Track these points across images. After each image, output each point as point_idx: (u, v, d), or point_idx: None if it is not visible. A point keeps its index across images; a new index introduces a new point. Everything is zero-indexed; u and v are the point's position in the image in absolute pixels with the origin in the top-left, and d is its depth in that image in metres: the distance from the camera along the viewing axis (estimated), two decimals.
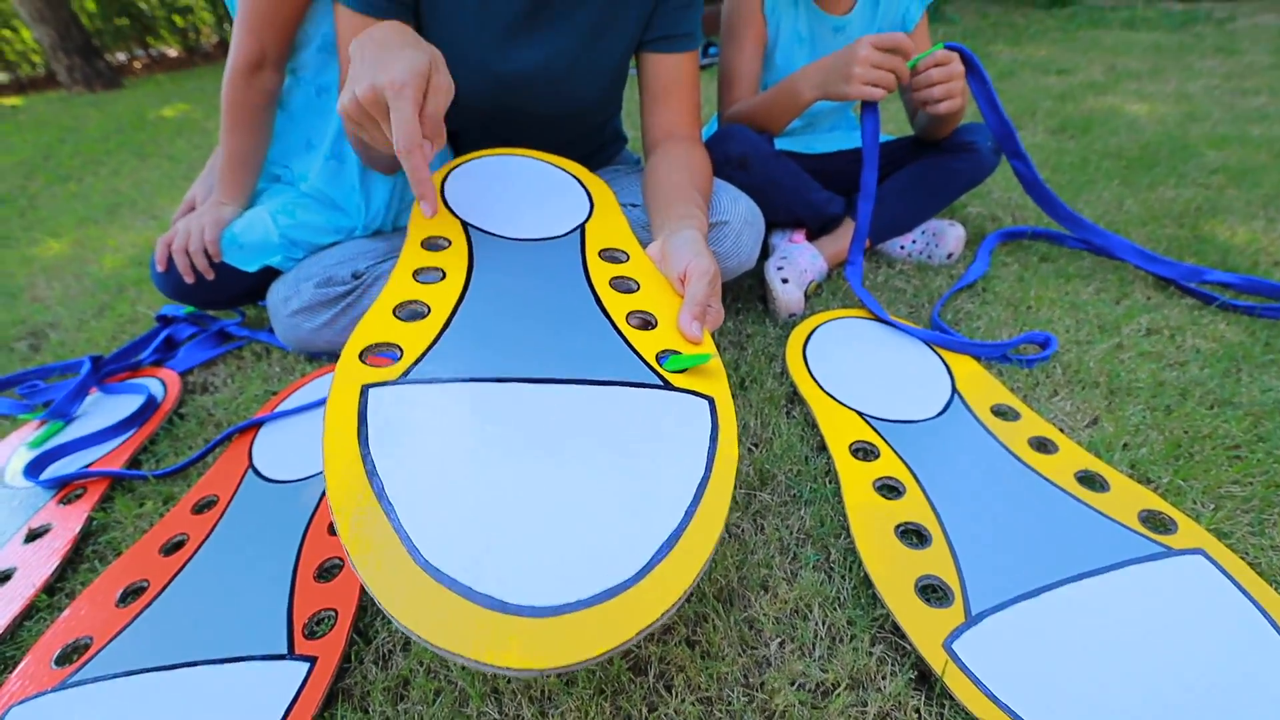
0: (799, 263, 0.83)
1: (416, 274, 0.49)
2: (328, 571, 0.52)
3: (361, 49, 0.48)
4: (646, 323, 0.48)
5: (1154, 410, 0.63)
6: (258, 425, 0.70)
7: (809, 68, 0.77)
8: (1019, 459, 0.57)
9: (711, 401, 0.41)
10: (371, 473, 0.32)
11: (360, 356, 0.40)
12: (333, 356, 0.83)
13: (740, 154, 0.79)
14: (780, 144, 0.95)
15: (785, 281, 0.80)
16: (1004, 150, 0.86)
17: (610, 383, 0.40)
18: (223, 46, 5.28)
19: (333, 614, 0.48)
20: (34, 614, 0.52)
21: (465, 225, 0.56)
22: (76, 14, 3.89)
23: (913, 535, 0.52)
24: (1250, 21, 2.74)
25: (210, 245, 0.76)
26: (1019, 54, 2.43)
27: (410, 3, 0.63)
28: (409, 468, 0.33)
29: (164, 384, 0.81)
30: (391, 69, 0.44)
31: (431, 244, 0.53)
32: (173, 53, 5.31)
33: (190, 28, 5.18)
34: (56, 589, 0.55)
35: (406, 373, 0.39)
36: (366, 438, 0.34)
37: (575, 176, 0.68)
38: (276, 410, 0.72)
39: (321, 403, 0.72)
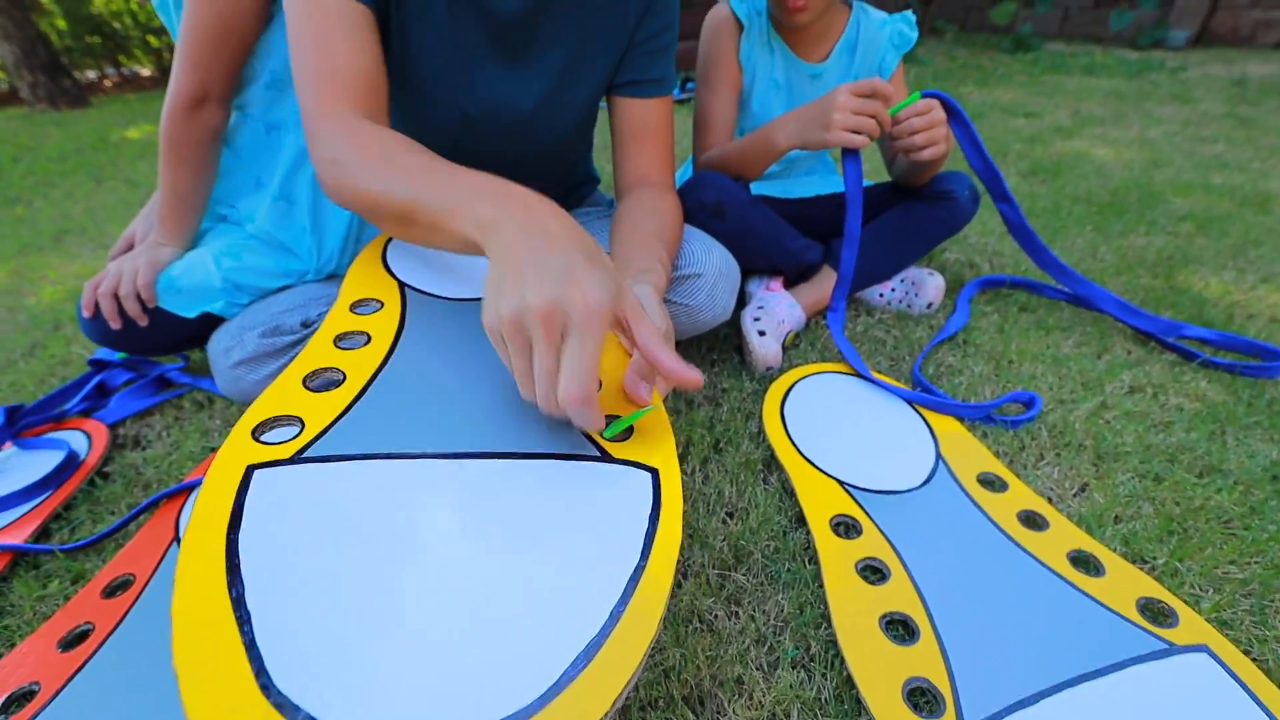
0: (776, 313, 0.80)
1: (338, 340, 0.44)
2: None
3: (521, 231, 0.36)
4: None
5: (1143, 478, 0.61)
6: (189, 490, 0.64)
7: (785, 117, 0.75)
8: (1009, 537, 0.53)
9: (655, 474, 0.35)
10: (233, 571, 0.27)
11: (254, 433, 0.35)
12: None
13: (715, 201, 0.76)
14: (756, 188, 0.93)
15: (762, 334, 0.77)
16: (991, 192, 0.85)
17: (538, 455, 0.36)
18: None
19: None
20: None
21: (402, 286, 0.52)
22: (45, 32, 3.80)
23: (899, 627, 0.48)
24: (1201, 71, 2.87)
25: (144, 289, 0.70)
26: (988, 96, 2.50)
27: (381, 22, 0.59)
28: (281, 569, 0.28)
29: (89, 437, 0.74)
30: (585, 283, 0.33)
31: (362, 306, 0.49)
32: (146, 72, 5.22)
33: (165, 48, 5.11)
34: None
35: (303, 450, 0.34)
36: (237, 529, 0.29)
37: None
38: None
39: None
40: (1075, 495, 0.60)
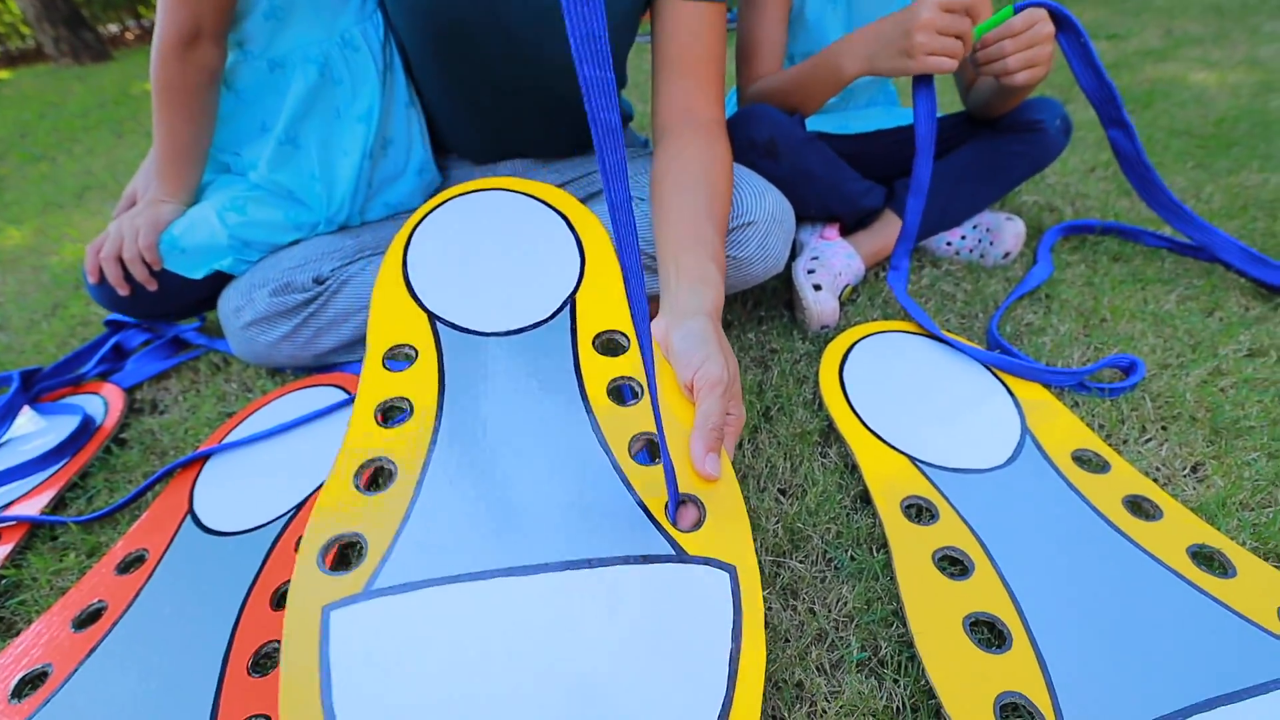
0: (832, 264, 0.71)
1: (379, 413, 0.43)
2: (265, 659, 0.43)
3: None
4: (655, 449, 0.42)
5: (1273, 458, 0.52)
6: (204, 459, 0.61)
7: (852, 37, 0.63)
8: (1115, 527, 0.46)
9: (733, 573, 0.34)
10: None
11: (319, 558, 0.34)
12: (297, 371, 0.73)
13: (768, 139, 0.66)
14: (810, 124, 0.82)
15: (817, 289, 0.68)
16: (1103, 116, 0.71)
17: (613, 561, 0.34)
18: None
19: None
20: None
21: (432, 320, 0.49)
22: None
23: (984, 629, 0.41)
24: None
25: (147, 251, 0.65)
26: None
27: None
28: None
29: (106, 402, 0.71)
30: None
31: (396, 359, 0.46)
32: None
33: None
34: None
35: (372, 579, 0.33)
36: (330, 689, 0.29)
37: (564, 216, 0.57)
38: (226, 440, 0.62)
39: (279, 430, 0.62)
40: (1188, 476, 0.52)
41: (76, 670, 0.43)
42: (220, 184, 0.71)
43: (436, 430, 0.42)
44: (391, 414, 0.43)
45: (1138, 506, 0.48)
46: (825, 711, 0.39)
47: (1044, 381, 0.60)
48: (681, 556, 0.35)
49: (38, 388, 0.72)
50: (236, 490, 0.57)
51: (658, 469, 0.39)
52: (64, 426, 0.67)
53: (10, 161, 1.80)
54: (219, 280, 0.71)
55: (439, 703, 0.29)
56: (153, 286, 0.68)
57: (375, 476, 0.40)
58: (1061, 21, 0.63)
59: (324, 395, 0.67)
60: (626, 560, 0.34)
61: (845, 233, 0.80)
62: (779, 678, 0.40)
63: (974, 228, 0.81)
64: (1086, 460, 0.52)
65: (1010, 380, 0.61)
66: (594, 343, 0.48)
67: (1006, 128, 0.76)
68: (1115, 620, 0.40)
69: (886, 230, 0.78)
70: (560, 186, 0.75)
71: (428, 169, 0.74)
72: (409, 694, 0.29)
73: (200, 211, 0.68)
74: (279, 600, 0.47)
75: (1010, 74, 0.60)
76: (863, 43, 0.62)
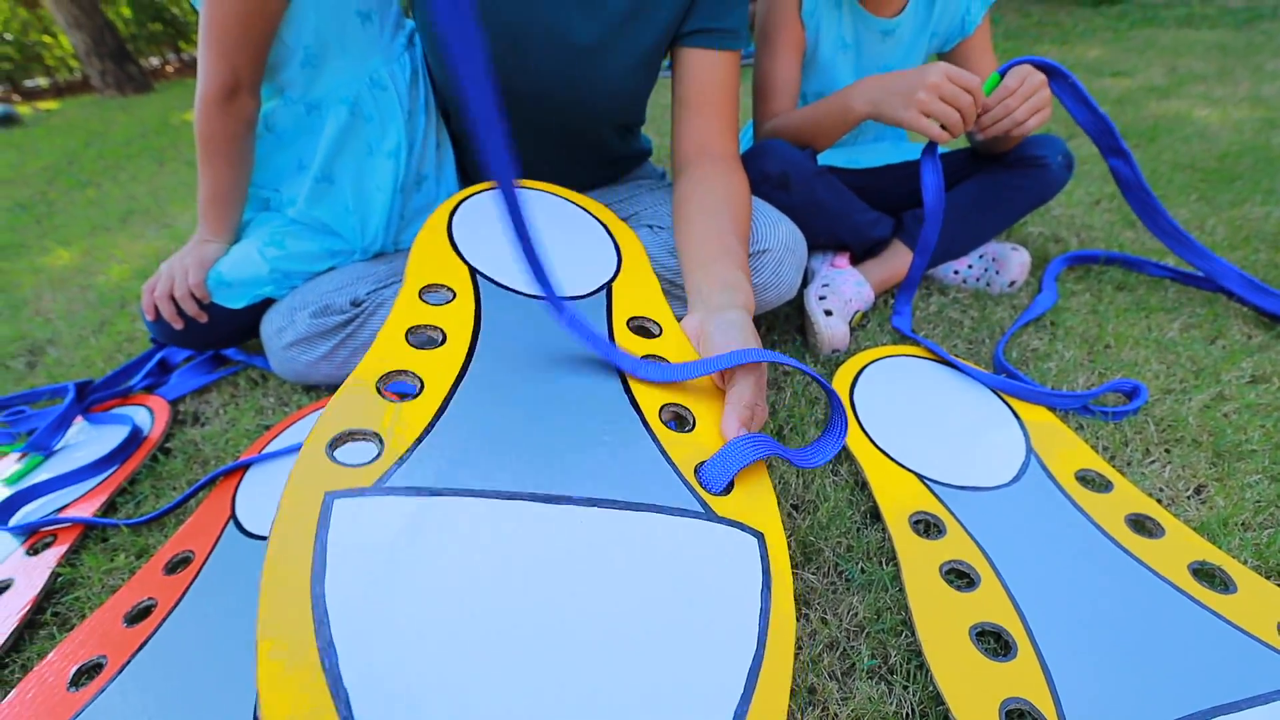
0: (843, 291, 0.75)
1: (410, 334, 0.41)
2: None
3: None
4: (682, 420, 0.41)
5: (1275, 480, 0.54)
6: (245, 467, 0.64)
7: (866, 82, 0.68)
8: (1117, 544, 0.48)
9: (761, 539, 0.33)
10: (323, 636, 0.24)
11: (329, 448, 0.31)
12: (332, 388, 0.77)
13: (780, 172, 0.70)
14: (821, 158, 0.86)
15: (828, 314, 0.71)
16: (1102, 147, 0.76)
17: (641, 507, 0.33)
18: None
19: None
20: None
21: (474, 272, 0.49)
22: (111, 20, 3.95)
23: (991, 639, 0.43)
24: None
25: (196, 289, 0.70)
26: (1068, 55, 2.29)
27: None
28: (375, 635, 0.24)
29: (152, 413, 0.75)
30: None
31: (432, 294, 0.46)
32: None
33: None
34: (9, 660, 0.49)
35: (385, 476, 0.30)
36: (323, 580, 0.25)
37: (601, 222, 0.60)
38: (265, 451, 0.66)
39: None
40: (1191, 497, 0.53)
41: (129, 662, 0.46)
42: (260, 221, 0.76)
43: (468, 360, 0.40)
44: (423, 340, 0.41)
45: (1140, 524, 0.50)
46: (837, 715, 0.40)
47: (1049, 405, 0.62)
48: (710, 515, 0.34)
49: (90, 398, 0.77)
50: (276, 497, 0.60)
51: (687, 436, 0.39)
52: (114, 436, 0.71)
53: (59, 187, 1.91)
54: (261, 309, 0.75)
55: (443, 614, 0.26)
56: (203, 319, 0.72)
57: (400, 391, 0.36)
58: (1048, 71, 0.67)
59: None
60: (655, 509, 0.33)
61: (855, 261, 0.83)
62: (792, 684, 0.42)
63: (980, 257, 0.84)
64: (1090, 480, 0.54)
65: (1015, 403, 0.63)
66: (628, 323, 0.49)
67: (1010, 163, 0.80)
68: (1117, 631, 0.42)
69: (895, 260, 0.81)
70: None
71: None
72: (411, 600, 0.26)
73: (243, 249, 0.72)
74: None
75: (1022, 124, 0.64)
76: (873, 88, 0.67)
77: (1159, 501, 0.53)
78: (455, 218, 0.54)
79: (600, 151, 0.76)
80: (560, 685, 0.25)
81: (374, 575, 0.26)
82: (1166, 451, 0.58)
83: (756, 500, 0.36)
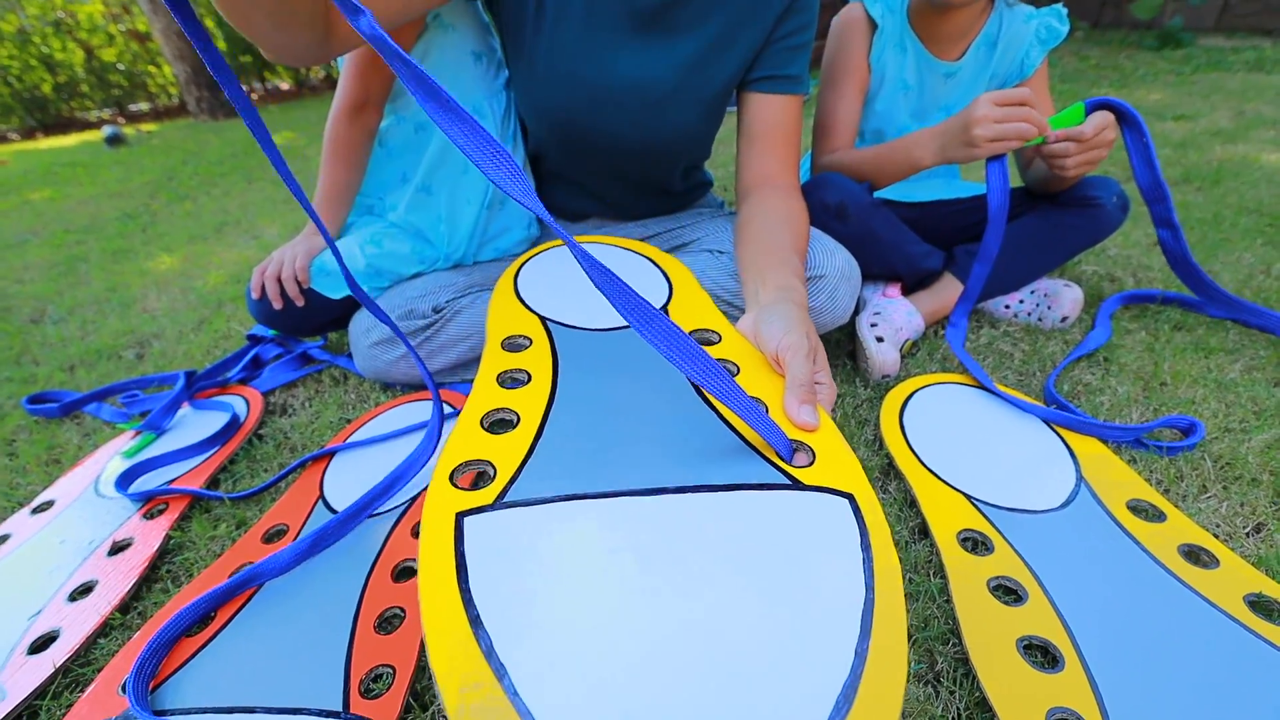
0: (894, 319, 0.77)
1: (501, 378, 0.46)
2: (388, 622, 0.50)
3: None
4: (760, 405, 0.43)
5: None
6: (330, 455, 0.71)
7: (926, 134, 0.73)
8: (1169, 571, 0.48)
9: (851, 499, 0.35)
10: (476, 623, 0.28)
11: (451, 478, 0.36)
12: (407, 387, 0.83)
13: (838, 203, 0.74)
14: (877, 191, 0.90)
15: (880, 340, 0.74)
16: (1154, 216, 0.78)
17: (732, 487, 0.35)
18: (328, 81, 5.75)
19: (390, 670, 0.45)
20: (108, 632, 0.53)
21: (544, 321, 0.54)
22: None
23: (1038, 652, 0.44)
24: None
25: (300, 272, 0.78)
26: (1128, 98, 2.27)
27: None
28: (519, 617, 0.28)
29: (247, 403, 0.83)
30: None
31: (512, 344, 0.51)
32: (285, 86, 5.83)
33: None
34: (131, 607, 0.55)
35: (503, 494, 0.35)
36: (467, 578, 0.30)
37: (648, 258, 0.66)
38: (349, 440, 0.72)
39: (394, 435, 0.72)
40: (1250, 535, 0.53)
41: (233, 618, 0.51)
42: (362, 223, 0.85)
43: (553, 392, 0.44)
44: (511, 382, 0.46)
45: (1194, 556, 0.50)
46: None
47: (1100, 436, 0.63)
48: (799, 485, 0.36)
49: (195, 387, 0.85)
50: (358, 482, 0.66)
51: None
52: (215, 421, 0.79)
53: (161, 199, 2.10)
54: (350, 305, 0.83)
55: (573, 598, 0.29)
56: (300, 303, 0.80)
57: (498, 427, 0.41)
58: (1125, 117, 0.70)
59: (432, 409, 0.77)
60: (746, 487, 0.35)
61: (906, 292, 0.86)
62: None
63: (1031, 292, 0.85)
64: (1142, 510, 0.55)
65: (1066, 434, 0.64)
66: (690, 335, 0.52)
67: (1065, 202, 0.82)
68: (1167, 653, 0.42)
69: (946, 292, 0.83)
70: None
71: (533, 225, 0.87)
72: (542, 589, 0.29)
73: (345, 243, 0.81)
74: (399, 574, 0.54)
75: (1066, 172, 0.67)
76: (933, 139, 0.72)
77: (1215, 536, 0.53)
78: (519, 280, 0.61)
79: (668, 185, 0.82)
80: (684, 653, 0.27)
81: (508, 572, 0.30)
82: (1224, 488, 0.58)
83: (841, 467, 0.37)
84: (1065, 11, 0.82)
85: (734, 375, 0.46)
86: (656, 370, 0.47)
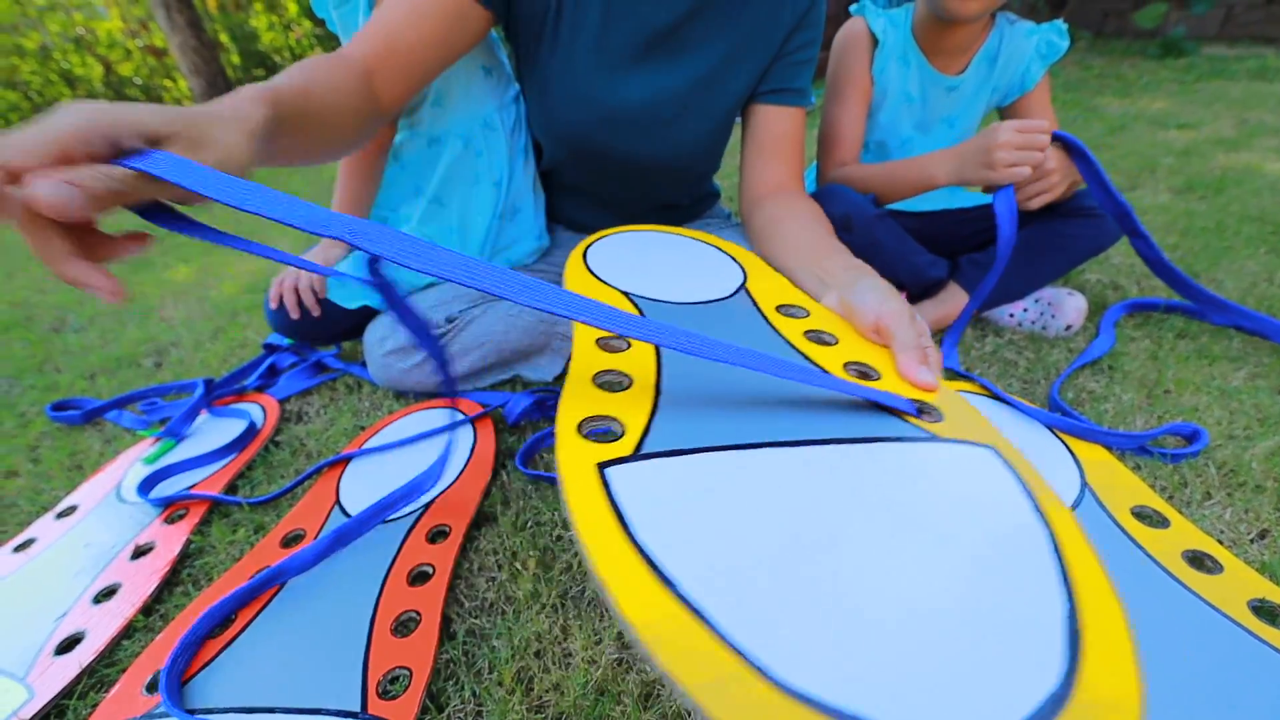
0: None
1: (599, 342, 0.42)
2: (403, 625, 0.51)
3: None
4: (866, 374, 0.40)
5: None
6: (346, 460, 0.72)
7: (942, 154, 0.75)
8: (1173, 576, 0.49)
9: (994, 450, 0.33)
10: (657, 571, 0.25)
11: (579, 430, 0.33)
12: (418, 395, 0.85)
13: (843, 214, 0.76)
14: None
15: None
16: (1123, 229, 0.80)
17: (875, 440, 0.33)
18: None
19: (407, 673, 0.47)
20: (131, 634, 0.54)
21: (625, 294, 0.51)
22: (225, 66, 4.42)
23: None
24: None
25: (316, 283, 0.80)
26: (1130, 106, 2.28)
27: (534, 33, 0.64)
28: (702, 563, 0.25)
29: (264, 410, 0.85)
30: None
31: None
32: None
33: None
34: (153, 609, 0.56)
35: (640, 446, 0.32)
36: (629, 527, 0.27)
37: (712, 245, 0.64)
38: (364, 447, 0.74)
39: (409, 441, 0.73)
40: (1254, 541, 0.54)
41: (254, 620, 0.52)
42: None
43: (659, 355, 0.41)
44: (611, 348, 0.42)
45: (1198, 561, 0.51)
46: None
47: (1104, 443, 0.64)
48: (934, 438, 0.34)
49: (213, 394, 0.87)
50: (374, 487, 0.68)
51: (877, 384, 0.39)
52: (233, 428, 0.81)
53: None
54: (365, 315, 0.85)
55: (746, 536, 0.26)
56: (317, 313, 0.82)
57: (611, 387, 0.37)
58: (1073, 149, 0.72)
59: (443, 416, 0.78)
60: (886, 440, 0.33)
61: (912, 301, 0.87)
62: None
63: (1035, 301, 0.86)
64: (1146, 516, 0.55)
65: (1071, 441, 0.65)
66: (778, 310, 0.49)
67: (1066, 213, 0.83)
68: (1172, 658, 0.43)
69: (950, 301, 0.84)
70: None
71: (544, 236, 0.88)
72: (713, 533, 0.27)
73: (359, 256, 0.83)
74: (414, 578, 0.55)
75: (1028, 204, 0.72)
76: (950, 159, 0.74)
77: (1219, 542, 0.53)
78: (588, 257, 0.59)
79: (678, 197, 0.84)
80: (870, 595, 0.25)
81: (672, 519, 0.27)
82: (1228, 495, 0.58)
83: (972, 423, 0.36)
84: (1065, 27, 0.84)
85: (835, 345, 0.43)
86: (754, 337, 0.44)
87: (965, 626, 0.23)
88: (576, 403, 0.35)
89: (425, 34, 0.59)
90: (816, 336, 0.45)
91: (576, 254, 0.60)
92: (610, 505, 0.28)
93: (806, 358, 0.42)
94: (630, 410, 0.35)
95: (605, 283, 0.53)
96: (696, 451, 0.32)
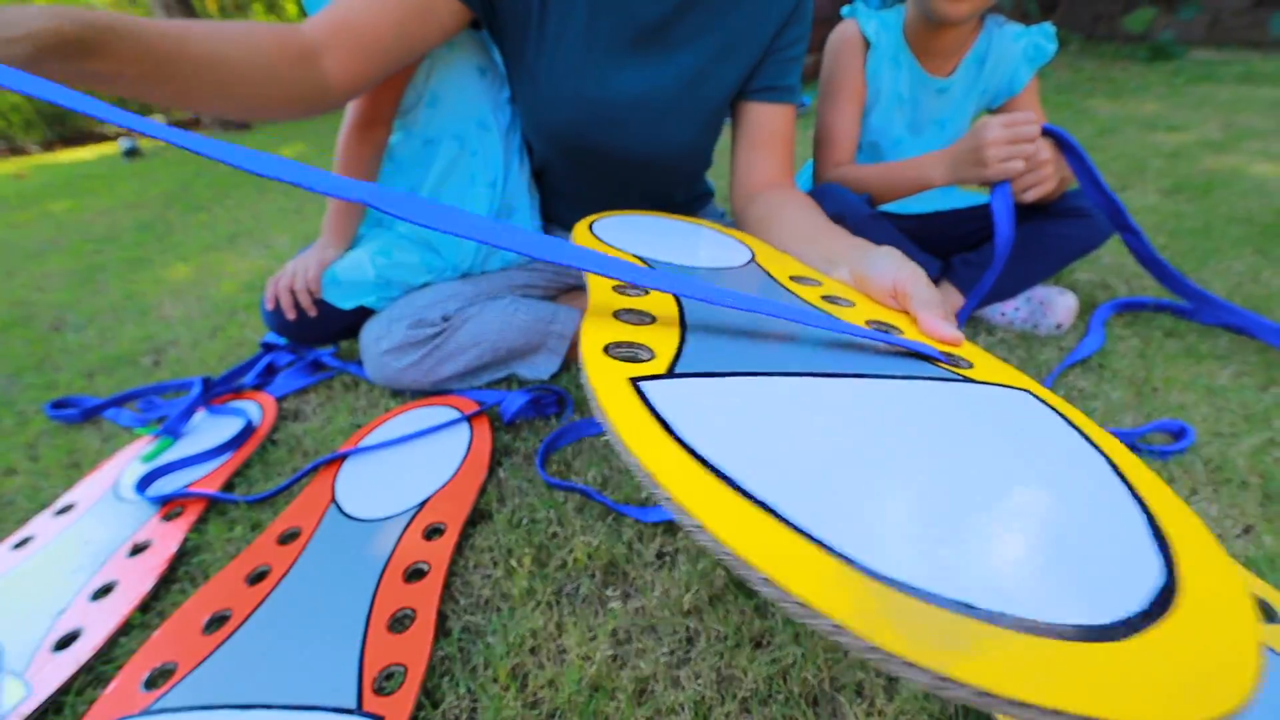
0: None
1: (615, 288, 0.40)
2: (399, 622, 0.51)
3: None
4: (889, 332, 0.39)
5: None
6: (342, 459, 0.73)
7: (936, 155, 0.76)
8: None
9: (1031, 393, 0.32)
10: (716, 472, 0.23)
11: (605, 351, 0.31)
12: (416, 393, 0.85)
13: (836, 214, 0.77)
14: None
15: None
16: (1114, 224, 0.81)
17: (909, 377, 0.32)
18: None
19: (402, 670, 0.47)
20: (129, 630, 0.54)
21: (639, 258, 0.49)
22: None
23: None
24: None
25: (312, 283, 0.81)
26: (1120, 109, 2.30)
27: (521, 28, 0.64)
28: (758, 462, 0.24)
29: (261, 408, 0.85)
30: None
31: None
32: None
33: None
34: (150, 607, 0.57)
35: (673, 366, 0.30)
36: (675, 431, 0.25)
37: (714, 229, 0.64)
38: (361, 445, 0.74)
39: (405, 439, 0.74)
40: (1239, 536, 0.55)
41: (251, 615, 0.53)
42: (372, 235, 0.88)
43: (680, 300, 0.39)
44: (631, 290, 0.40)
45: None
46: (884, 711, 0.44)
47: None
48: (970, 381, 0.33)
49: (211, 392, 0.87)
50: (370, 486, 0.68)
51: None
52: (230, 426, 0.81)
53: (176, 210, 2.14)
54: (361, 314, 0.85)
55: (802, 449, 0.25)
56: (313, 313, 0.83)
57: (636, 321, 0.35)
58: (1066, 145, 0.73)
59: (439, 414, 0.79)
60: (923, 378, 0.32)
61: None
62: (842, 680, 0.46)
63: (1026, 300, 0.87)
64: None
65: None
66: (792, 279, 0.48)
67: (1057, 213, 0.84)
68: None
69: (944, 301, 0.85)
70: None
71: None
72: (762, 440, 0.25)
73: (356, 255, 0.83)
74: (410, 575, 0.56)
75: (1023, 197, 0.71)
76: (944, 160, 0.75)
77: None
78: (595, 230, 0.57)
79: (671, 196, 0.85)
80: (942, 497, 0.23)
81: (717, 427, 0.25)
82: (1214, 491, 0.59)
83: (1001, 370, 0.35)
84: (1053, 31, 0.85)
85: (854, 307, 0.42)
86: (774, 295, 0.43)
87: (1050, 530, 0.22)
88: (599, 331, 0.33)
89: (382, 17, 0.59)
90: (834, 300, 0.43)
91: (582, 225, 0.57)
92: (651, 413, 0.25)
93: (823, 309, 0.40)
94: (658, 339, 0.33)
95: (616, 247, 0.51)
96: (736, 375, 0.30)
